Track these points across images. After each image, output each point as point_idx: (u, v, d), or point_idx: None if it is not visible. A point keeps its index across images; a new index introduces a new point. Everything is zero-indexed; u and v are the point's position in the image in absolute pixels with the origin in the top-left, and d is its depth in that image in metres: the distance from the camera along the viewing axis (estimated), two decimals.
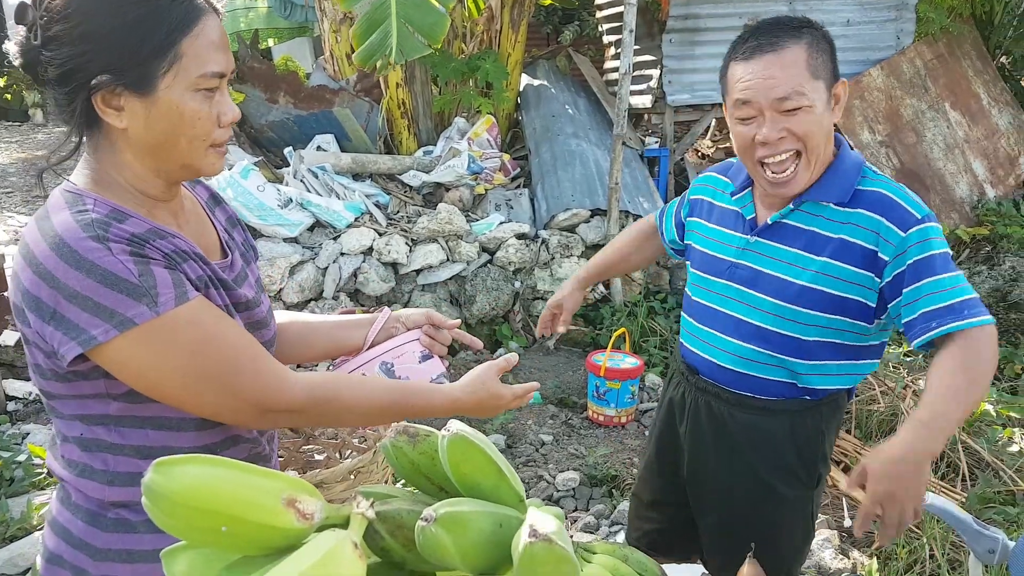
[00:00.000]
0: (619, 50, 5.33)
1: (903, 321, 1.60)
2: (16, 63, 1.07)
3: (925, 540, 2.87)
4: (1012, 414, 3.84)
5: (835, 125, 1.66)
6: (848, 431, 3.83)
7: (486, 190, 5.68)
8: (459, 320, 1.53)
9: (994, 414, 3.78)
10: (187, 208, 1.25)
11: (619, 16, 6.10)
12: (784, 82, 1.55)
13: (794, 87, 1.55)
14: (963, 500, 3.16)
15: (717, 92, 6.47)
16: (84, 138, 1.12)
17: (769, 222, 1.73)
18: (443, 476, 0.87)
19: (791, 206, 1.70)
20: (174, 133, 1.08)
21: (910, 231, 1.58)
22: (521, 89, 6.90)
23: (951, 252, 1.62)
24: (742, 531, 1.82)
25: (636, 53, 6.17)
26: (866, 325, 1.69)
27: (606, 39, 7.47)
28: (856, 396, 3.94)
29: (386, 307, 1.57)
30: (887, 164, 5.96)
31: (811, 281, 1.67)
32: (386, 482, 2.64)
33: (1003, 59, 7.19)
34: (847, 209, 1.65)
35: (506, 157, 5.97)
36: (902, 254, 1.58)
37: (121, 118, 1.07)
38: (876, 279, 1.62)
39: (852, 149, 1.73)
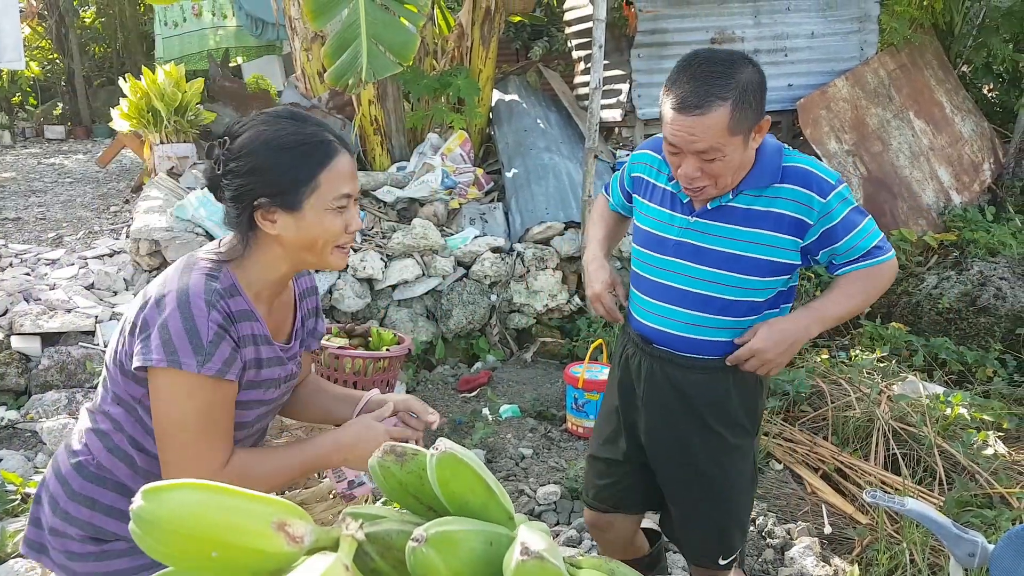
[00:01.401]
0: (589, 65, 5.37)
1: (833, 263, 1.96)
2: (203, 183, 1.57)
3: (905, 545, 2.89)
4: (985, 417, 3.89)
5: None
6: (825, 437, 3.86)
7: (460, 204, 5.68)
8: (437, 416, 1.72)
9: (968, 418, 3.83)
10: (283, 300, 1.60)
11: (588, 32, 6.15)
12: (704, 141, 1.78)
13: (712, 144, 1.78)
14: (941, 504, 3.19)
15: None
16: (247, 236, 1.48)
17: (709, 207, 1.95)
18: (431, 495, 0.87)
19: (728, 194, 1.93)
20: (316, 238, 1.46)
21: (829, 196, 1.88)
22: (493, 104, 6.92)
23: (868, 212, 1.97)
24: (699, 481, 2.09)
25: (605, 68, 6.21)
26: (788, 278, 2.01)
27: (575, 54, 7.53)
28: (832, 403, 3.97)
29: (375, 390, 1.84)
30: (854, 173, 6.04)
31: (751, 251, 1.93)
32: (366, 501, 2.62)
33: (964, 68, 7.33)
34: (776, 185, 1.91)
35: (480, 171, 5.98)
36: (827, 215, 1.88)
37: (275, 228, 1.44)
38: (799, 240, 1.92)
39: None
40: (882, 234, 1.94)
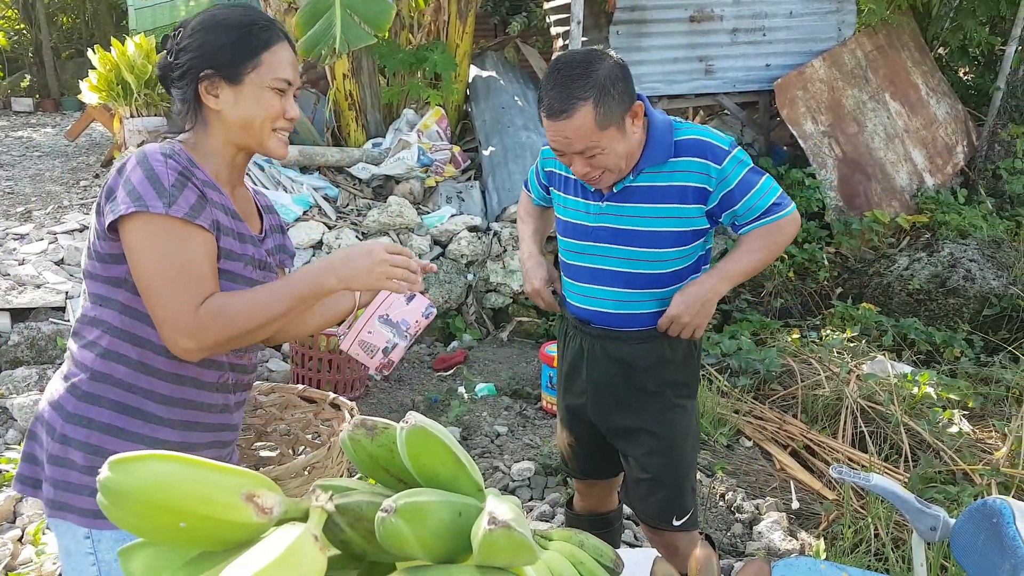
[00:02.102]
0: (567, 42, 5.35)
1: (735, 223, 2.05)
2: (157, 75, 1.58)
3: (870, 520, 2.95)
4: (951, 396, 3.96)
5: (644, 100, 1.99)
6: (795, 415, 3.91)
7: (437, 183, 5.66)
8: (430, 263, 1.73)
9: (935, 396, 3.90)
10: (244, 194, 1.63)
11: (566, 7, 6.12)
12: (578, 141, 1.88)
13: (586, 144, 1.88)
14: (905, 480, 3.25)
15: (665, 83, 6.48)
16: (195, 117, 1.53)
17: (615, 191, 2.05)
18: (401, 468, 0.87)
19: (630, 176, 2.02)
20: (254, 115, 1.50)
21: (724, 162, 1.98)
22: (470, 81, 6.88)
23: (762, 169, 2.06)
24: (645, 438, 2.21)
25: (584, 45, 6.19)
26: (704, 242, 2.12)
27: (554, 31, 7.49)
28: (802, 382, 4.03)
29: None
30: (829, 154, 6.09)
31: (663, 226, 2.03)
32: (341, 476, 2.62)
33: (940, 50, 7.39)
34: (673, 159, 2.01)
35: (456, 149, 5.95)
36: (724, 180, 1.98)
37: (218, 102, 1.50)
38: (703, 207, 2.02)
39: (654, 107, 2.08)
40: (780, 190, 2.04)
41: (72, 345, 1.53)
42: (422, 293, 1.68)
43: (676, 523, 2.23)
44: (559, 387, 2.42)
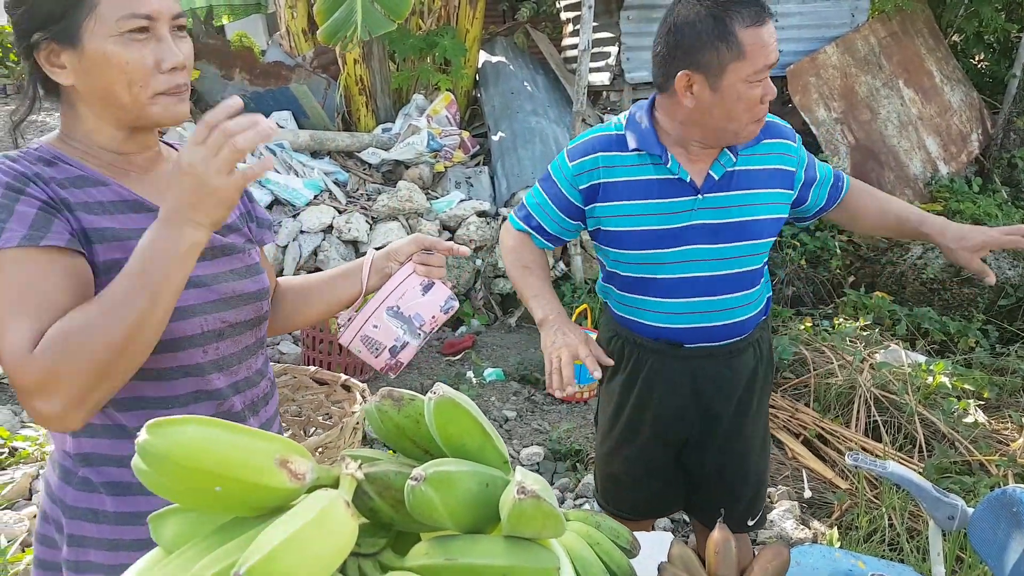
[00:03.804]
0: (577, 27, 5.31)
1: (817, 205, 2.00)
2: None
3: (884, 510, 2.94)
4: (966, 386, 3.93)
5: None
6: (807, 404, 3.89)
7: (446, 168, 5.65)
8: (451, 242, 1.47)
9: (949, 386, 3.87)
10: (163, 171, 1.24)
11: None
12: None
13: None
14: (921, 470, 3.23)
15: None
16: (41, 96, 1.16)
17: (716, 177, 1.82)
18: (428, 438, 0.86)
19: (729, 154, 1.81)
20: (109, 83, 1.08)
21: (797, 141, 1.93)
22: (479, 66, 6.86)
23: None
24: (722, 460, 2.02)
25: (594, 30, 6.15)
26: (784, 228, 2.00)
27: (564, 16, 7.46)
28: (815, 370, 4.01)
29: (370, 248, 1.46)
30: (842, 141, 6.05)
31: (761, 213, 1.86)
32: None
33: (955, 37, 7.32)
34: (763, 141, 1.86)
35: (465, 134, 5.94)
36: (800, 158, 1.92)
37: (67, 75, 1.09)
38: (791, 192, 1.92)
39: None
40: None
41: (54, 432, 1.22)
42: (443, 280, 1.40)
43: (750, 523, 2.08)
44: (610, 416, 2.08)
